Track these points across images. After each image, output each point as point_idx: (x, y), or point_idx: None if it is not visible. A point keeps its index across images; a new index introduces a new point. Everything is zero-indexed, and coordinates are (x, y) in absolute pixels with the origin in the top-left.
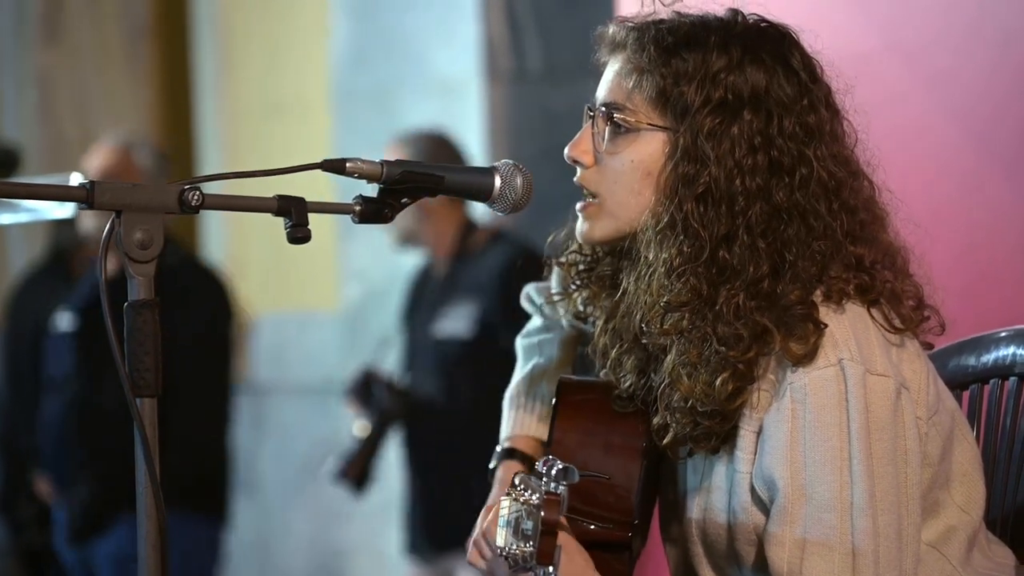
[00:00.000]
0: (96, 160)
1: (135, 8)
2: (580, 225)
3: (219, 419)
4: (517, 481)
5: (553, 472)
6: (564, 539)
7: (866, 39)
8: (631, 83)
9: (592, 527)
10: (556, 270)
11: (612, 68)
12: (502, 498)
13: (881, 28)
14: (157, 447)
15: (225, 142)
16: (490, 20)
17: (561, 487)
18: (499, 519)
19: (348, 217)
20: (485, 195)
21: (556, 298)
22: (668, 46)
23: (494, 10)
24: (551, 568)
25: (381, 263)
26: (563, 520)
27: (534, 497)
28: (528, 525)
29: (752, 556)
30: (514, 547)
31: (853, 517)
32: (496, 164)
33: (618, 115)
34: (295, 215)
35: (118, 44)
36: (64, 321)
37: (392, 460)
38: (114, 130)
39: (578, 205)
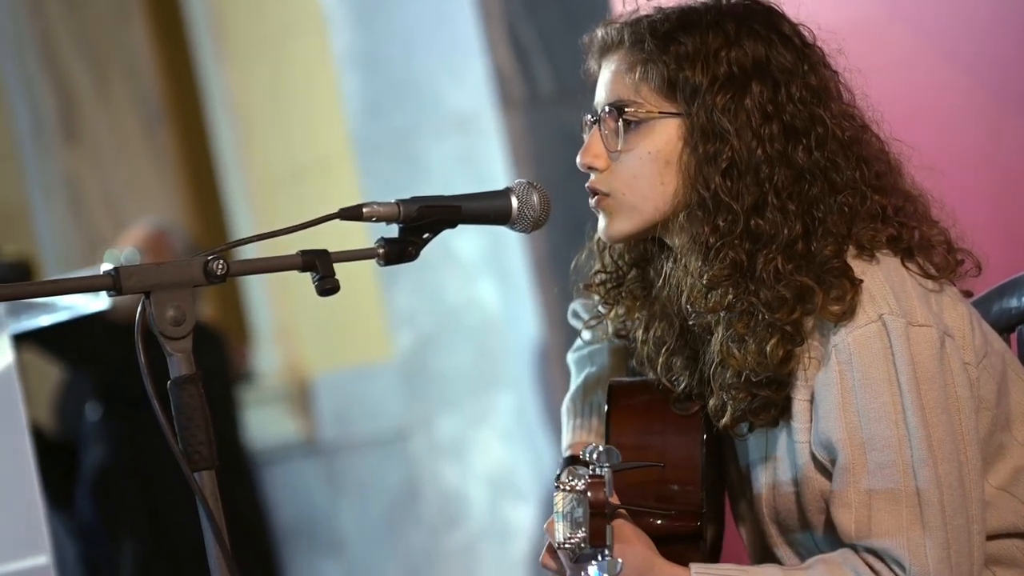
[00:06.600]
0: (131, 241)
1: (147, 96)
2: (601, 222)
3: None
4: (565, 475)
5: (595, 456)
6: (620, 524)
7: (869, 6)
8: (636, 75)
9: (659, 521)
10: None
11: (608, 68)
12: (555, 493)
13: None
14: (223, 519)
15: (256, 213)
16: (495, 51)
17: (604, 469)
18: (555, 515)
19: (390, 267)
20: (504, 217)
21: (593, 323)
22: (664, 33)
23: (498, 40)
24: (605, 549)
25: (429, 306)
26: (616, 503)
27: (580, 484)
28: (579, 512)
29: (823, 524)
30: (570, 537)
31: (915, 469)
32: (510, 185)
33: (628, 110)
34: (321, 268)
35: (137, 134)
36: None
37: (474, 496)
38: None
39: (591, 201)
